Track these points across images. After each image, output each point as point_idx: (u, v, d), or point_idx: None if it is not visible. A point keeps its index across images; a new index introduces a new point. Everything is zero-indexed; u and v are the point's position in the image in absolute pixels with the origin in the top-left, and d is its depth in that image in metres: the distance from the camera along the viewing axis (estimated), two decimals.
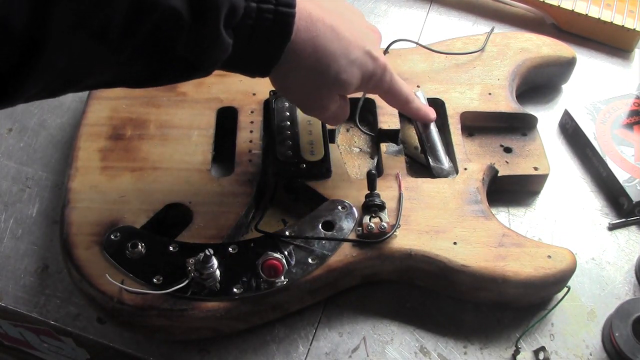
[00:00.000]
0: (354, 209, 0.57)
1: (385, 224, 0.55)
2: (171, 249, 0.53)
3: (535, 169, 0.64)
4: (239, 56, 0.44)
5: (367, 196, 0.56)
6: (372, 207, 0.56)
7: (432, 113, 0.63)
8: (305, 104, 0.53)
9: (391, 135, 0.65)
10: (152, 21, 0.38)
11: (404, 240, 0.55)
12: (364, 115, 0.67)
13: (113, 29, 0.36)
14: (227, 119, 0.64)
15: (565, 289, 0.57)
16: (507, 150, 0.66)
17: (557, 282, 0.56)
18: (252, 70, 0.48)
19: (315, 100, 0.52)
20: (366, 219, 0.55)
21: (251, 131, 0.63)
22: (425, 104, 0.64)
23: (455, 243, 0.55)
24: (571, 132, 0.71)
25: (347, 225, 0.56)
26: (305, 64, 0.48)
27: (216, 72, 0.45)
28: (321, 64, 0.48)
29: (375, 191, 0.56)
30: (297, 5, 0.44)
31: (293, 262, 0.53)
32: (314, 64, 0.48)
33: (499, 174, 0.63)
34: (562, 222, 0.64)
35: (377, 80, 0.54)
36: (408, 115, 0.63)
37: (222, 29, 0.40)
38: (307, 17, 0.47)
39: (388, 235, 0.55)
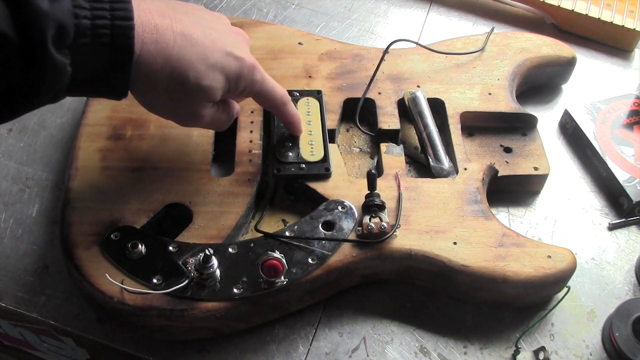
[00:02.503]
0: (354, 209, 0.57)
1: (385, 224, 0.55)
2: (171, 249, 0.53)
3: (535, 169, 0.64)
4: (88, 78, 0.43)
5: (367, 196, 0.56)
6: (372, 207, 0.56)
7: (300, 125, 0.61)
8: (175, 117, 0.52)
9: (391, 135, 0.65)
10: None
11: (404, 240, 0.55)
12: (364, 115, 0.67)
13: None
14: None
15: (565, 289, 0.57)
16: (507, 150, 0.66)
17: (557, 282, 0.56)
18: (108, 91, 0.46)
19: (183, 111, 0.51)
20: (366, 219, 0.55)
21: (251, 131, 0.63)
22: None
23: (455, 243, 0.55)
24: (571, 132, 0.71)
25: (347, 225, 0.56)
26: (161, 77, 0.46)
27: None
28: (178, 73, 0.47)
29: (375, 191, 0.56)
30: (138, 17, 0.44)
31: (293, 262, 0.53)
32: (170, 75, 0.47)
33: (499, 174, 0.63)
34: (562, 222, 0.64)
35: (246, 81, 0.52)
36: (281, 119, 0.60)
37: (50, 49, 0.39)
38: (152, 28, 0.45)
39: (388, 235, 0.55)
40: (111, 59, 0.43)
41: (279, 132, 0.62)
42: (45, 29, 0.38)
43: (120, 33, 0.42)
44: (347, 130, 0.68)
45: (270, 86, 0.55)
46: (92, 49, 0.42)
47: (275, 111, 0.58)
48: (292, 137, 0.61)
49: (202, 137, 0.62)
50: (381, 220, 0.55)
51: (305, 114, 0.63)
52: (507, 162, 0.64)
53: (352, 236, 0.55)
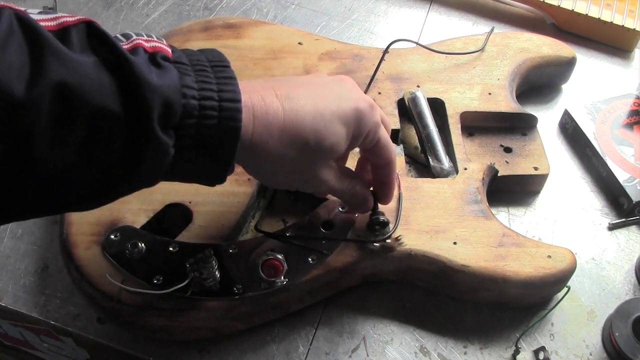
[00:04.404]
0: None
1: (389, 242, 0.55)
2: (171, 249, 0.53)
3: (535, 169, 0.64)
4: (188, 161, 0.40)
5: (371, 215, 0.55)
6: (376, 224, 0.55)
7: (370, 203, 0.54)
8: (299, 186, 0.49)
9: (391, 135, 0.65)
10: (83, 123, 0.34)
11: (403, 240, 0.55)
12: None
13: (37, 138, 0.33)
14: None
15: (565, 289, 0.57)
16: (507, 150, 0.66)
17: (557, 282, 0.56)
18: (206, 174, 0.43)
19: (307, 178, 0.47)
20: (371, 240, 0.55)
21: None
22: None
23: (455, 243, 0.55)
24: (571, 132, 0.71)
25: (347, 225, 0.56)
26: (281, 151, 0.44)
27: None
28: (297, 141, 0.44)
29: (378, 210, 0.55)
30: (245, 93, 0.41)
31: (293, 262, 0.53)
32: (289, 145, 0.44)
33: (499, 174, 0.63)
34: (562, 222, 0.64)
35: (368, 121, 0.47)
36: (384, 180, 0.53)
37: (156, 126, 0.37)
38: (260, 102, 0.43)
39: (388, 235, 0.55)
40: (215, 142, 0.40)
41: None
42: (152, 105, 0.36)
43: (228, 115, 0.40)
44: None
45: (387, 134, 0.50)
46: (197, 131, 0.39)
47: (387, 168, 0.52)
48: None
49: None
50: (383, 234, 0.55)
51: None
52: (507, 162, 0.64)
53: (352, 236, 0.55)
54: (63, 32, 0.36)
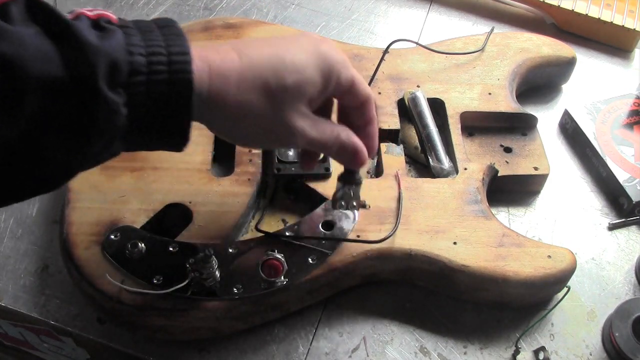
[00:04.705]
0: None
1: (355, 204, 0.52)
2: (171, 249, 0.53)
3: (535, 169, 0.64)
4: (145, 123, 0.39)
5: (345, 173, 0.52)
6: (349, 180, 0.52)
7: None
8: (271, 141, 0.46)
9: (391, 135, 0.65)
10: (31, 95, 0.34)
11: (404, 240, 0.55)
12: None
13: None
14: None
15: (565, 289, 0.57)
16: (507, 150, 0.66)
17: (557, 282, 0.56)
18: (168, 137, 0.41)
19: (277, 130, 0.44)
20: (340, 191, 0.52)
21: None
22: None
23: (455, 243, 0.55)
24: (571, 132, 0.71)
25: (347, 225, 0.56)
26: (239, 101, 0.42)
27: None
28: (258, 84, 0.42)
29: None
30: (195, 50, 0.40)
31: (293, 262, 0.53)
32: (250, 91, 0.42)
33: (499, 174, 0.63)
34: (562, 222, 0.64)
35: (338, 63, 0.45)
36: (364, 123, 0.49)
37: (102, 85, 0.36)
38: (213, 57, 0.41)
39: (388, 235, 0.55)
40: (168, 97, 0.39)
41: None
42: (96, 64, 0.35)
43: (178, 68, 0.39)
44: None
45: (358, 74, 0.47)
46: (148, 87, 0.38)
47: (367, 105, 0.48)
48: None
49: (202, 137, 0.61)
50: (353, 196, 0.52)
51: None
52: (507, 162, 0.64)
53: (352, 236, 0.55)
54: (1, 7, 0.35)
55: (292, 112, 0.44)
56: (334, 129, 0.47)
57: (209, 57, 0.41)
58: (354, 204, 0.53)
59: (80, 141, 0.37)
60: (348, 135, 0.47)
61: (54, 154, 0.37)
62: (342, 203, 0.53)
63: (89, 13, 0.39)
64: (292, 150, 0.61)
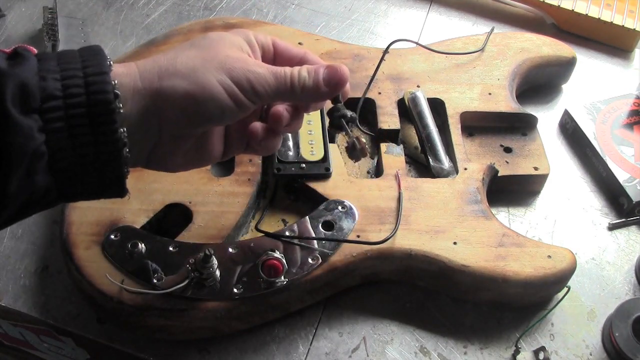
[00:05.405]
0: (354, 208, 0.57)
1: (365, 140, 0.49)
2: (171, 249, 0.53)
3: (535, 169, 0.64)
4: (73, 152, 0.37)
5: (332, 110, 0.48)
6: (339, 118, 0.47)
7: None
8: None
9: (391, 135, 0.65)
10: None
11: (404, 240, 0.55)
12: (364, 115, 0.67)
13: None
14: None
15: (565, 289, 0.57)
16: (507, 150, 0.66)
17: (557, 282, 0.56)
18: (100, 175, 0.39)
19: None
20: (341, 138, 0.50)
21: None
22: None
23: (455, 243, 0.55)
24: (571, 132, 0.71)
25: (347, 225, 0.56)
26: (174, 105, 0.40)
27: None
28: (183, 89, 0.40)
29: (339, 103, 0.47)
30: (115, 69, 0.39)
31: (293, 262, 0.53)
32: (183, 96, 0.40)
33: (499, 174, 0.63)
34: (562, 222, 0.64)
35: (255, 35, 0.45)
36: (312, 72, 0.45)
37: (11, 109, 0.34)
38: (134, 75, 0.40)
39: (389, 237, 0.55)
40: (91, 119, 0.37)
41: None
42: (2, 89, 0.34)
43: (96, 89, 0.37)
44: None
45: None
46: (66, 112, 0.36)
47: (306, 59, 0.46)
48: (292, 137, 0.61)
49: None
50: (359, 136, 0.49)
51: (306, 114, 0.63)
52: (507, 162, 0.64)
53: (352, 236, 0.55)
54: None
55: (237, 50, 0.43)
56: (290, 69, 0.44)
57: (128, 74, 0.40)
58: (366, 148, 0.49)
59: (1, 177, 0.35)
60: (311, 68, 0.44)
61: None
62: (356, 151, 0.48)
63: (6, 50, 0.38)
64: (292, 150, 0.61)
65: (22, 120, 0.35)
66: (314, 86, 0.44)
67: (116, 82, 0.38)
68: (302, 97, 0.44)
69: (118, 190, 0.41)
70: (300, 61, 0.46)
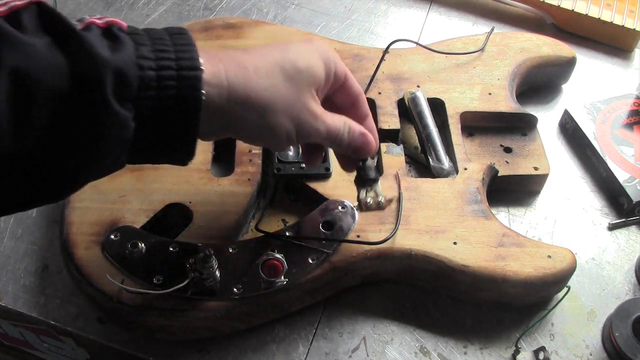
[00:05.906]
0: (354, 209, 0.57)
1: (382, 199, 0.54)
2: (171, 249, 0.53)
3: (535, 169, 0.64)
4: (152, 137, 0.39)
5: (360, 169, 0.54)
6: (367, 180, 0.54)
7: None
8: (294, 137, 0.46)
9: (391, 135, 0.65)
10: (43, 108, 0.34)
11: (404, 240, 0.55)
12: None
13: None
14: None
15: (565, 289, 0.57)
16: (507, 150, 0.66)
17: (557, 282, 0.56)
18: (173, 150, 0.42)
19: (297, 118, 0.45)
20: (362, 193, 0.54)
21: None
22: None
23: (455, 243, 0.55)
24: (571, 132, 0.71)
25: (347, 225, 0.56)
26: (248, 103, 0.42)
27: None
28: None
29: (368, 163, 0.53)
30: (206, 62, 0.40)
31: (293, 262, 0.53)
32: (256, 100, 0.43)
33: (499, 174, 0.63)
34: (562, 222, 0.64)
35: (335, 58, 0.47)
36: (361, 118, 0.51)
37: (111, 99, 0.36)
38: (221, 70, 0.42)
39: (389, 237, 0.55)
40: (178, 113, 0.39)
41: None
42: (103, 79, 0.35)
43: (188, 84, 0.39)
44: None
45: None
46: (157, 103, 0.38)
47: (360, 98, 0.51)
48: None
49: None
50: (377, 194, 0.54)
51: None
52: (507, 162, 0.64)
53: (352, 236, 0.55)
54: (14, 15, 0.35)
55: (310, 95, 0.45)
56: (341, 116, 0.48)
57: (220, 58, 0.42)
58: (381, 200, 0.54)
59: (90, 155, 0.37)
60: (356, 124, 0.49)
61: (63, 167, 0.37)
62: (369, 202, 0.54)
63: (98, 21, 0.38)
64: (292, 150, 0.61)
65: (120, 110, 0.36)
66: (346, 148, 0.49)
67: (204, 92, 0.40)
68: (335, 148, 0.51)
69: (182, 161, 0.43)
70: (353, 103, 0.50)
